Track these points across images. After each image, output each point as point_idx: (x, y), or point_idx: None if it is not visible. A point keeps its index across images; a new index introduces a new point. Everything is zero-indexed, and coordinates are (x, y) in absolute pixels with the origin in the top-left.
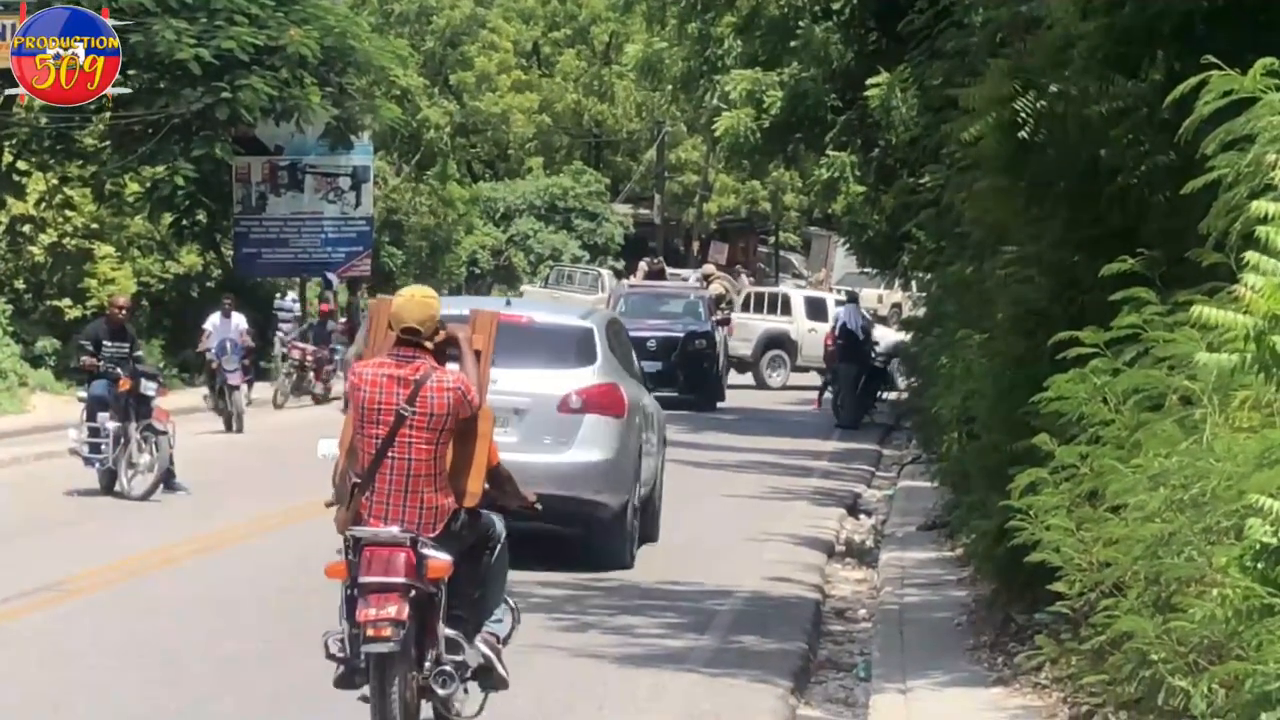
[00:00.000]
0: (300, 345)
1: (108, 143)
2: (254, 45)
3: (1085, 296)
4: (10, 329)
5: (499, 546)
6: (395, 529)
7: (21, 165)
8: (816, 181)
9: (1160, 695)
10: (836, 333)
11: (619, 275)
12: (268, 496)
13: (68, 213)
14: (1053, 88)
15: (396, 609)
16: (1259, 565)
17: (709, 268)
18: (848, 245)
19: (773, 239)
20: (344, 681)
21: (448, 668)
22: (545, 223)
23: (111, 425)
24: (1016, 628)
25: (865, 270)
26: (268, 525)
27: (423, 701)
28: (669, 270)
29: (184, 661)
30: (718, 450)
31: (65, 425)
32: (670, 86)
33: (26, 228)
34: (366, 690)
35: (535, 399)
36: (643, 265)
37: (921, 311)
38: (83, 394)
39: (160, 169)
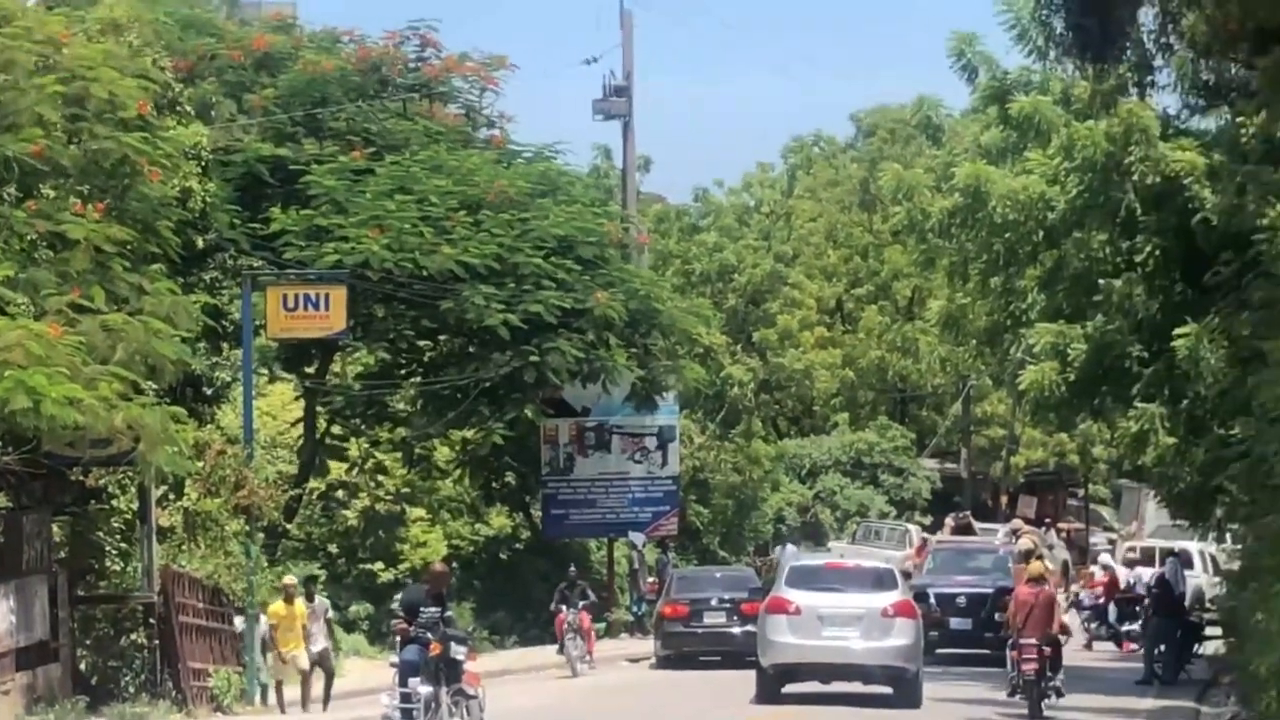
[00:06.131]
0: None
1: (418, 407)
2: (561, 308)
3: None
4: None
5: (1062, 644)
6: (1034, 639)
7: (336, 430)
8: (1125, 434)
9: None
10: (1153, 584)
11: (926, 531)
12: None
13: (380, 477)
14: None
15: (1035, 666)
16: None
17: (1017, 522)
18: (1159, 498)
19: (1082, 492)
20: (1011, 692)
21: (1054, 685)
22: (851, 478)
23: (423, 690)
24: None
25: (1178, 523)
26: None
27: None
28: (976, 525)
29: None
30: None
31: (378, 690)
32: (974, 340)
33: (340, 493)
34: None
35: (868, 609)
36: (949, 520)
37: (1237, 565)
38: (394, 658)
39: (469, 431)
